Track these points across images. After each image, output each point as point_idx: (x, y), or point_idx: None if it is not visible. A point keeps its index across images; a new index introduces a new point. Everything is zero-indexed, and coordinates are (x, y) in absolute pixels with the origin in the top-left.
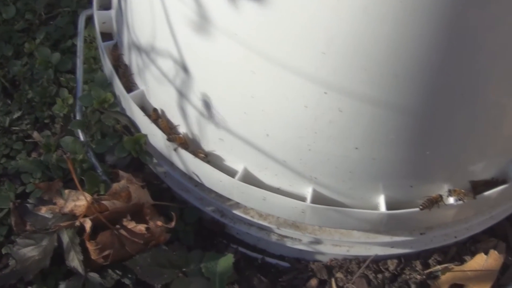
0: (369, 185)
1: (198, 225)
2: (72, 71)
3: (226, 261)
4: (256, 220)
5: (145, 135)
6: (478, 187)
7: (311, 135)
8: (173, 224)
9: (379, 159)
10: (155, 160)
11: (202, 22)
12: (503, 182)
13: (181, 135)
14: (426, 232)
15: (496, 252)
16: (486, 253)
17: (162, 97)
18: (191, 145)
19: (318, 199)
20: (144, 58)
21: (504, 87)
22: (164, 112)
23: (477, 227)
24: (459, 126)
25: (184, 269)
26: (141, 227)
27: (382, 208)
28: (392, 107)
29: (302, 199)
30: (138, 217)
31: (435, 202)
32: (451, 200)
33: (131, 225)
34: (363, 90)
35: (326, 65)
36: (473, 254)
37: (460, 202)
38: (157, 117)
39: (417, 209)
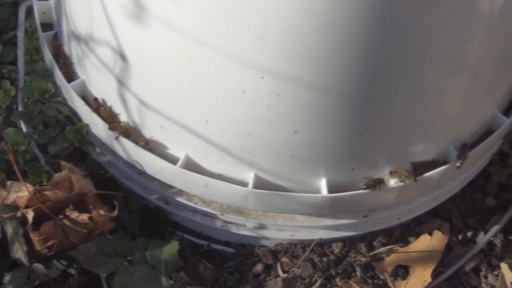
0: (310, 169)
1: (143, 213)
2: (14, 63)
3: (171, 249)
4: (199, 207)
5: (87, 125)
6: (419, 168)
7: (250, 120)
8: (115, 212)
9: (318, 142)
10: (98, 150)
11: (137, 10)
12: (444, 163)
13: (122, 124)
14: (369, 215)
15: (440, 232)
16: (430, 234)
17: (102, 86)
18: (132, 133)
19: (260, 184)
20: (83, 47)
21: (440, 68)
22: (105, 101)
23: (421, 208)
24: (397, 107)
25: (129, 258)
26: (84, 217)
27: (324, 191)
28: (328, 90)
29: (245, 184)
30: (81, 206)
31: (377, 183)
32: (392, 182)
33: (74, 214)
34: (299, 74)
35: (261, 50)
36: (417, 235)
37: (401, 183)
38: (98, 106)
39: (358, 191)
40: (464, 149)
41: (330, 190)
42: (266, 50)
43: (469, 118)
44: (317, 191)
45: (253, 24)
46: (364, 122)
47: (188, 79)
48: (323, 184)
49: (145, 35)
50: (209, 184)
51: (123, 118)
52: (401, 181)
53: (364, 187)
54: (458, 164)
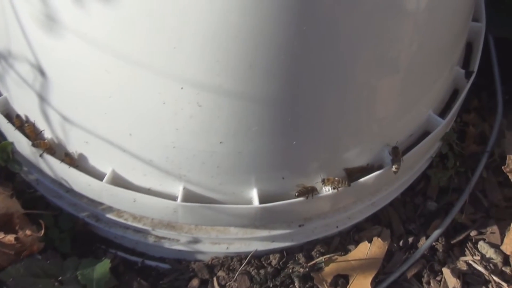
0: (239, 180)
1: (74, 232)
2: None
3: (102, 267)
4: (130, 223)
5: (11, 143)
6: (353, 174)
7: (173, 132)
8: (42, 232)
9: (245, 152)
10: (25, 168)
11: (51, 23)
12: (379, 167)
13: (46, 141)
14: (305, 224)
15: (379, 239)
16: (370, 241)
17: (25, 102)
18: (57, 150)
19: (190, 197)
20: (2, 63)
21: (371, 68)
22: (28, 118)
23: (359, 215)
24: (325, 112)
25: (59, 278)
26: (10, 238)
27: (256, 202)
28: (250, 98)
29: (174, 198)
30: (8, 227)
31: (309, 191)
32: (326, 189)
33: (0, 236)
34: (219, 83)
35: (178, 60)
36: (357, 243)
37: (335, 190)
38: (21, 123)
39: (291, 200)
40: (396, 153)
41: (262, 200)
42: (183, 60)
43: (403, 120)
44: (249, 201)
45: (168, 34)
46: (291, 129)
47: (107, 93)
48: (254, 195)
49: (60, 48)
50: (137, 199)
51: (47, 134)
52: (334, 188)
53: (296, 195)
54: (394, 168)
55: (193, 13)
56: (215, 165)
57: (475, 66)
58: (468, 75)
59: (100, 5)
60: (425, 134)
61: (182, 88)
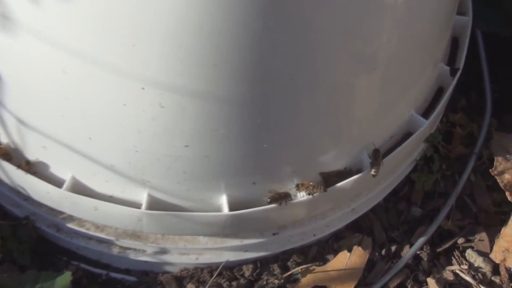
0: (207, 185)
1: (35, 243)
2: None
3: (63, 280)
4: (92, 232)
5: None
6: (330, 178)
7: (135, 135)
8: None
9: (213, 156)
10: None
11: (4, 21)
12: (358, 171)
13: (2, 146)
14: (279, 232)
15: (360, 248)
16: (350, 250)
17: None
18: (14, 155)
19: (155, 204)
20: None
21: (347, 66)
22: None
23: (338, 222)
24: (298, 113)
25: None
26: None
27: (225, 209)
28: (216, 99)
29: (138, 205)
30: None
31: (282, 197)
32: (300, 195)
33: None
34: (182, 83)
35: (138, 58)
36: (336, 252)
37: (310, 196)
38: None
39: (263, 207)
40: (376, 156)
41: (232, 207)
42: (143, 58)
43: (383, 121)
44: (218, 209)
45: (126, 31)
46: (261, 132)
47: (64, 94)
48: (223, 201)
49: (14, 47)
50: (98, 207)
51: (3, 139)
52: (309, 194)
53: (268, 201)
54: (372, 172)
55: (152, 8)
56: (181, 170)
57: (461, 63)
58: (453, 72)
59: (55, 1)
60: (407, 135)
61: (143, 88)
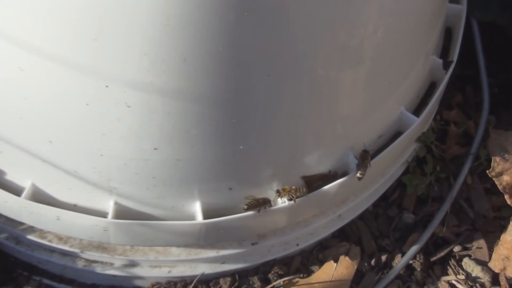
0: (179, 192)
1: None
2: None
3: None
4: (55, 245)
5: None
6: (313, 182)
7: (99, 137)
8: None
9: (185, 159)
10: None
11: None
12: (343, 174)
13: None
14: (259, 242)
15: (347, 258)
16: (337, 260)
17: None
18: None
19: (122, 213)
20: None
21: (331, 59)
22: None
23: (323, 231)
24: (278, 111)
25: None
26: None
27: (199, 217)
28: (188, 97)
29: (104, 214)
30: None
31: (261, 203)
32: (281, 201)
33: None
34: (149, 80)
35: (101, 53)
36: (321, 263)
37: (292, 202)
38: None
39: (240, 214)
40: (364, 157)
41: (207, 215)
42: (106, 53)
43: (370, 119)
44: (192, 217)
45: (87, 23)
46: (236, 132)
47: (21, 94)
48: (197, 209)
49: None
50: (61, 217)
51: None
52: (291, 199)
53: (246, 208)
54: (358, 175)
55: None
56: (150, 175)
57: (455, 55)
58: (446, 65)
59: None
60: (397, 134)
61: (107, 86)
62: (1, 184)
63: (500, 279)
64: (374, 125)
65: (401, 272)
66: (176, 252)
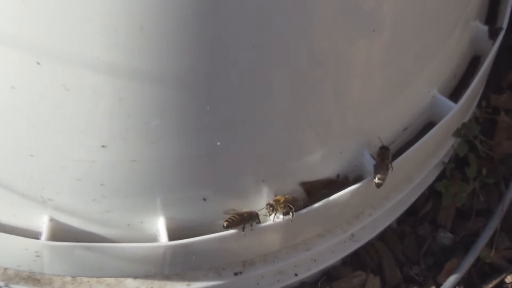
0: (136, 204)
1: None
2: None
3: None
4: None
5: None
6: (317, 191)
7: (30, 131)
8: None
9: (143, 160)
10: None
11: None
12: (356, 180)
13: None
14: (244, 271)
15: None
16: None
17: None
18: None
19: (60, 232)
20: None
21: (336, 27)
22: None
23: (330, 255)
24: (266, 95)
25: None
26: None
27: (163, 237)
28: (145, 77)
29: (36, 235)
30: None
31: (246, 219)
32: (272, 216)
33: None
34: (94, 54)
35: (30, 20)
36: None
37: (288, 216)
38: None
39: (218, 234)
40: (384, 156)
41: (173, 235)
42: (36, 21)
43: (391, 106)
44: (153, 237)
45: None
46: (211, 123)
47: None
48: (160, 227)
49: None
50: None
51: None
52: (286, 213)
53: (226, 225)
54: (376, 180)
55: None
56: (97, 182)
57: (505, 20)
58: (493, 33)
59: None
60: (428, 126)
61: (38, 63)
62: None
63: None
64: (397, 114)
65: None
66: (133, 286)
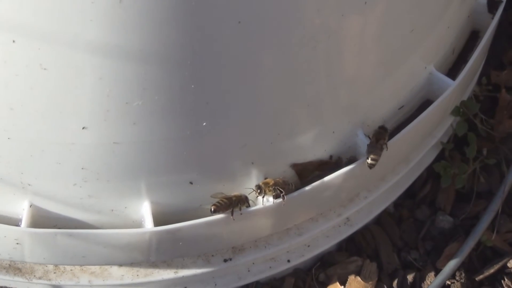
0: (119, 188)
1: None
2: None
3: None
4: None
5: None
6: (308, 173)
7: (6, 113)
8: None
9: (125, 142)
10: None
11: None
12: (350, 161)
13: None
14: (234, 257)
15: (359, 279)
16: (344, 282)
17: None
18: None
19: (41, 219)
20: None
21: None
22: None
23: (324, 240)
24: (253, 71)
25: None
26: None
27: (148, 223)
28: (127, 53)
29: (15, 222)
30: None
31: (234, 203)
32: (262, 199)
33: None
34: (71, 30)
35: None
36: (323, 285)
37: (278, 200)
38: None
39: (205, 219)
40: (380, 136)
41: (159, 221)
42: None
43: (386, 83)
44: (138, 223)
45: None
46: (197, 101)
47: None
48: (145, 212)
49: None
50: None
51: None
52: (277, 196)
53: (213, 209)
54: (369, 160)
55: None
56: (78, 166)
57: None
58: (493, 7)
59: None
60: (425, 104)
61: (13, 41)
62: None
63: None
64: (392, 91)
65: None
66: (118, 274)
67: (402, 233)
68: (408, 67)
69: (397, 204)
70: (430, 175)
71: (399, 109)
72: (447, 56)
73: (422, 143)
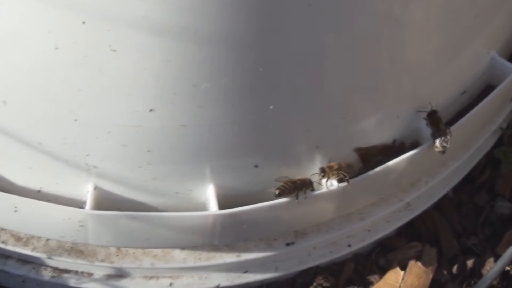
0: (184, 171)
1: None
2: None
3: None
4: (11, 247)
5: None
6: (372, 157)
7: (72, 94)
8: None
9: (191, 125)
10: None
11: None
12: (413, 146)
13: None
14: (296, 241)
15: (419, 264)
16: (404, 267)
17: None
18: None
19: (105, 201)
20: None
21: None
22: None
23: (385, 226)
24: (320, 57)
25: None
26: None
27: (213, 206)
28: (195, 36)
29: (80, 204)
30: None
31: (299, 187)
32: (326, 183)
33: None
34: (141, 13)
35: None
36: (383, 271)
37: (343, 184)
38: None
39: (269, 202)
40: (436, 121)
41: (223, 204)
42: None
43: (447, 69)
44: (202, 206)
45: None
46: (264, 86)
47: None
48: (210, 195)
49: None
50: (20, 208)
51: None
52: (341, 181)
53: (277, 193)
54: (438, 146)
55: None
56: (144, 148)
57: None
58: None
59: None
60: (487, 90)
61: (83, 22)
62: None
63: None
64: (455, 76)
65: (494, 283)
66: (180, 257)
67: (461, 218)
68: (470, 52)
69: (456, 189)
70: (489, 161)
71: (461, 94)
72: (509, 41)
73: (482, 128)
